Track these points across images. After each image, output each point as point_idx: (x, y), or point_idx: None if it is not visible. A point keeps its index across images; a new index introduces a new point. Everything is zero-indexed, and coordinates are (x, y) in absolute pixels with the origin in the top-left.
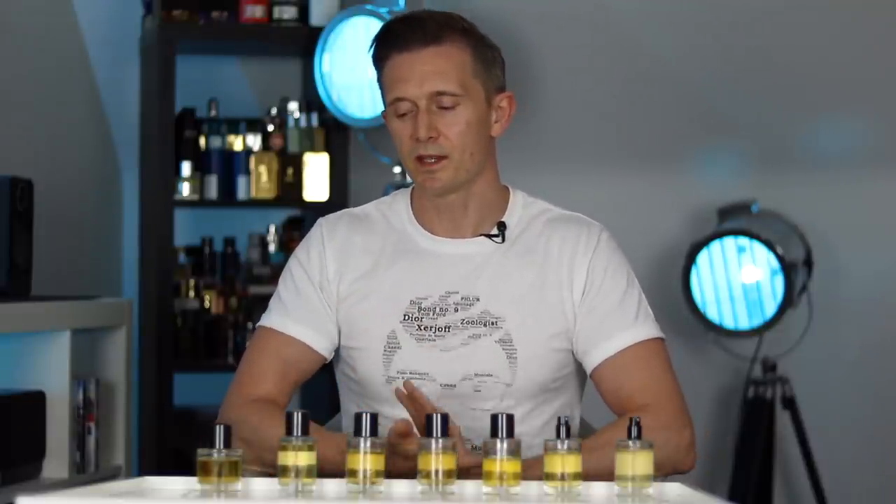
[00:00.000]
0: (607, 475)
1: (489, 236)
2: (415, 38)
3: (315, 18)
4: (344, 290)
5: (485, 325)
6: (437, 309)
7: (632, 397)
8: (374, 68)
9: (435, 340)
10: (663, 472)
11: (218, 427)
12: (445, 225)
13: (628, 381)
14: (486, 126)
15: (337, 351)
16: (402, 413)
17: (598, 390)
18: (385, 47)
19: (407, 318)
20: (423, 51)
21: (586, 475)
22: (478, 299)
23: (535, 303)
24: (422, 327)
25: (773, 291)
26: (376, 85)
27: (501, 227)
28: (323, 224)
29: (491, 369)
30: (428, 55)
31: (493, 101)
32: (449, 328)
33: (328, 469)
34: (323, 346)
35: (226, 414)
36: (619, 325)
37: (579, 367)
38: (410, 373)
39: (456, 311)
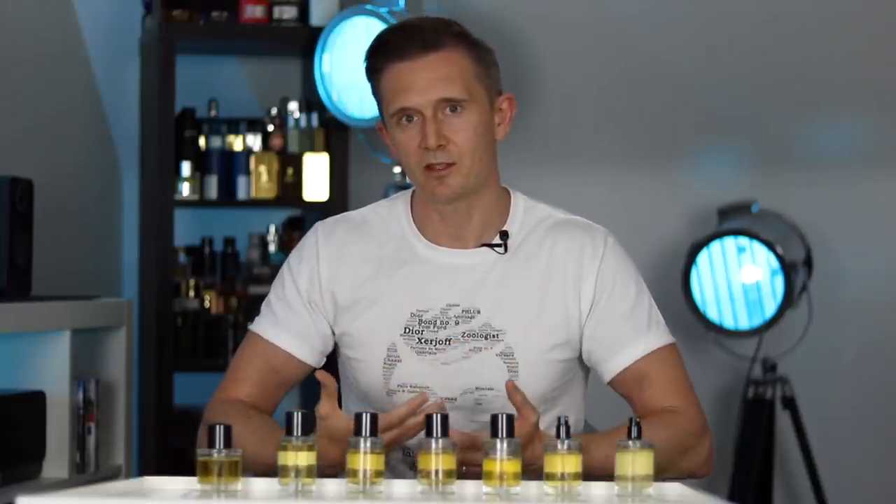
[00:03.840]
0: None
1: (491, 246)
2: (413, 46)
3: (315, 18)
4: (342, 299)
5: (486, 338)
6: (438, 322)
7: (652, 405)
8: (368, 81)
9: (436, 354)
10: (680, 476)
11: (218, 427)
12: (448, 234)
13: (647, 391)
14: (491, 130)
15: (340, 352)
16: None
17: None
18: (380, 58)
19: (407, 330)
20: (423, 58)
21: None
22: (479, 312)
23: (536, 314)
24: (422, 340)
25: (773, 291)
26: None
27: (503, 236)
28: (319, 230)
29: (492, 383)
30: (430, 62)
31: (494, 104)
32: (450, 341)
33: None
34: (309, 356)
35: (204, 414)
36: (631, 335)
37: (582, 372)
38: (411, 386)
39: (457, 323)
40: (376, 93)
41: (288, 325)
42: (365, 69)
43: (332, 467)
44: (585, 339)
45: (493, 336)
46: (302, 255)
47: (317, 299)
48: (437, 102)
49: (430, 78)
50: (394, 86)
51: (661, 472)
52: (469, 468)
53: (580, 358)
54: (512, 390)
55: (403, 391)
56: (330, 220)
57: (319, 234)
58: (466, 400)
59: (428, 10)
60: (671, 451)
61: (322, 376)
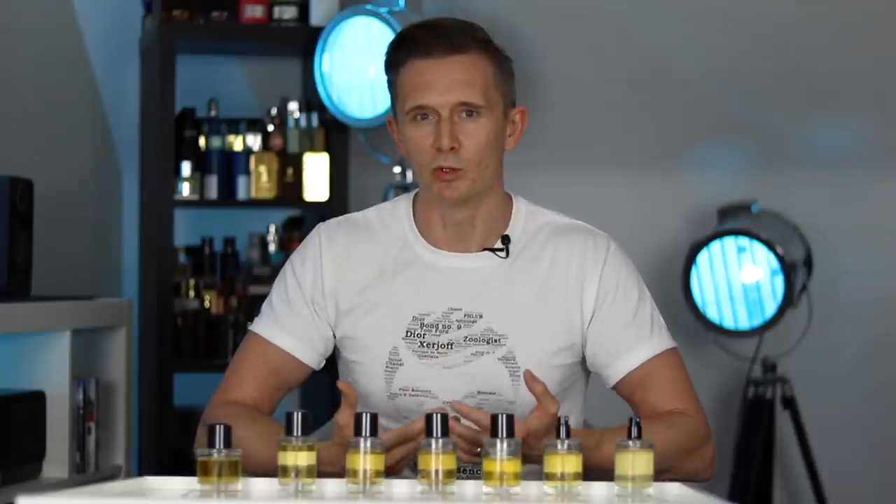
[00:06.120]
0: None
1: (493, 251)
2: (438, 45)
3: (315, 18)
4: (344, 303)
5: (487, 343)
6: (440, 325)
7: (656, 409)
8: (385, 74)
9: (437, 357)
10: (684, 478)
11: (218, 427)
12: (451, 238)
13: (650, 395)
14: (502, 139)
15: (341, 354)
16: None
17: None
18: (403, 52)
19: (409, 334)
20: (446, 59)
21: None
22: (481, 316)
23: (538, 319)
24: (424, 344)
25: (773, 291)
26: (376, 86)
27: (505, 240)
28: (322, 231)
29: (494, 387)
30: (452, 63)
31: (508, 115)
32: (452, 345)
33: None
34: (310, 358)
35: (204, 414)
36: (635, 340)
37: (584, 376)
38: (413, 390)
39: (459, 328)
40: (392, 86)
41: (289, 326)
42: (385, 62)
43: (342, 474)
44: (588, 344)
45: (495, 341)
46: (305, 256)
47: (319, 300)
48: (455, 105)
49: (451, 79)
50: (413, 81)
51: (667, 472)
52: (470, 456)
53: (582, 362)
54: (531, 380)
55: (405, 395)
56: (332, 221)
57: (322, 236)
58: (468, 404)
59: (428, 10)
60: (678, 451)
61: (344, 386)
